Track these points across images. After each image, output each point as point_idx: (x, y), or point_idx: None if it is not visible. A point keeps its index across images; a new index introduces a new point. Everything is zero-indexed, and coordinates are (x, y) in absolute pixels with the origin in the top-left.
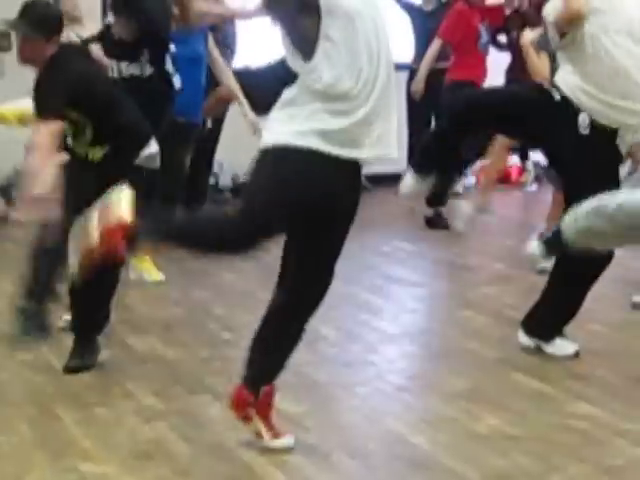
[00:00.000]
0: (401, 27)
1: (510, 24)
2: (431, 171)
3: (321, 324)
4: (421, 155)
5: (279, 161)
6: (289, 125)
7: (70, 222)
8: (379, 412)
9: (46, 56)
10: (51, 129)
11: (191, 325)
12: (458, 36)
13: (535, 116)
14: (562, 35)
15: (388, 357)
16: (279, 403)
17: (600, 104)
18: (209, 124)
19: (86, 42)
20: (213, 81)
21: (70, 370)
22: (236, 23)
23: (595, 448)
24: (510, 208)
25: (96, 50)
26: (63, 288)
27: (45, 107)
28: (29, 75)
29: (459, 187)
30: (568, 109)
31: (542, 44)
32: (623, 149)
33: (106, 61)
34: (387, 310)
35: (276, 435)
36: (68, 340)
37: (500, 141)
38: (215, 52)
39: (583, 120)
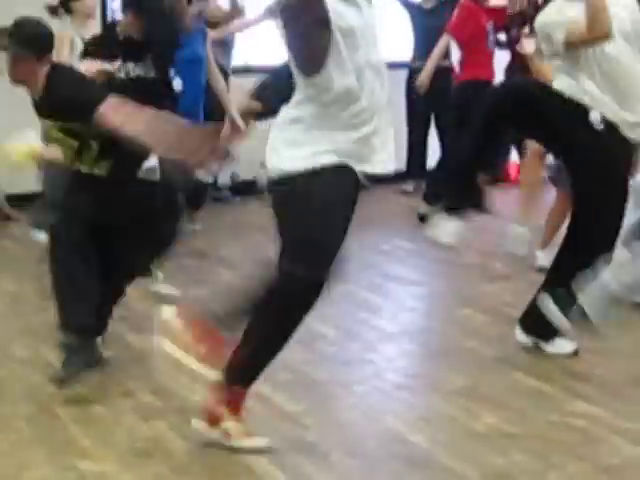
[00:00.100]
0: (400, 25)
1: (510, 22)
2: (466, 205)
3: (320, 323)
4: (451, 193)
5: (312, 187)
6: (301, 148)
7: (76, 234)
8: (378, 410)
9: (38, 76)
10: (115, 103)
11: None
12: (467, 33)
13: (553, 113)
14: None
15: (387, 356)
16: (278, 401)
17: (607, 101)
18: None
19: (88, 45)
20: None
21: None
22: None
23: (594, 446)
24: (509, 206)
25: (87, 65)
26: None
27: (92, 99)
28: None
29: None
30: (578, 108)
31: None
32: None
33: (102, 69)
34: (386, 309)
35: (248, 436)
36: None
37: (531, 152)
38: (209, 55)
39: (595, 117)
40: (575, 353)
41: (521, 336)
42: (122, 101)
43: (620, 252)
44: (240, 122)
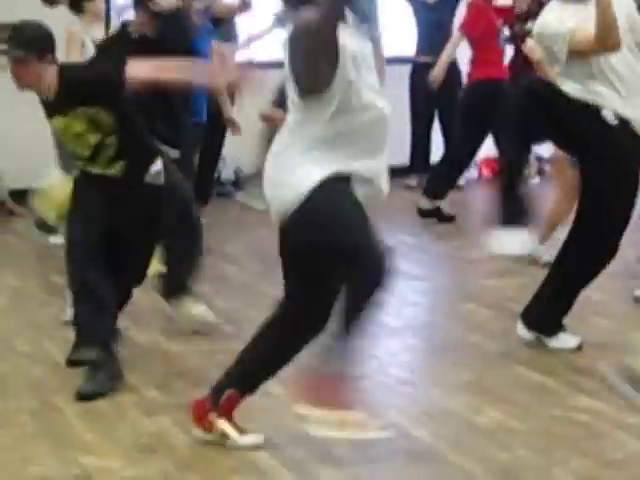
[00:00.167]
0: (404, 20)
1: (514, 18)
2: (524, 215)
3: None
4: (508, 206)
5: (332, 195)
6: (312, 167)
7: (93, 235)
8: (381, 405)
9: (43, 77)
10: (135, 62)
11: None
12: (478, 31)
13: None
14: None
15: (390, 350)
16: (280, 396)
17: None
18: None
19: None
20: None
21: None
22: (236, 18)
23: (597, 441)
24: None
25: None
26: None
27: (114, 67)
28: None
29: (461, 180)
30: (589, 107)
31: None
32: None
33: None
34: (389, 303)
35: (244, 433)
36: (70, 334)
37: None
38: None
39: (607, 114)
40: (579, 348)
41: (522, 331)
42: (139, 59)
43: None
44: (237, 123)
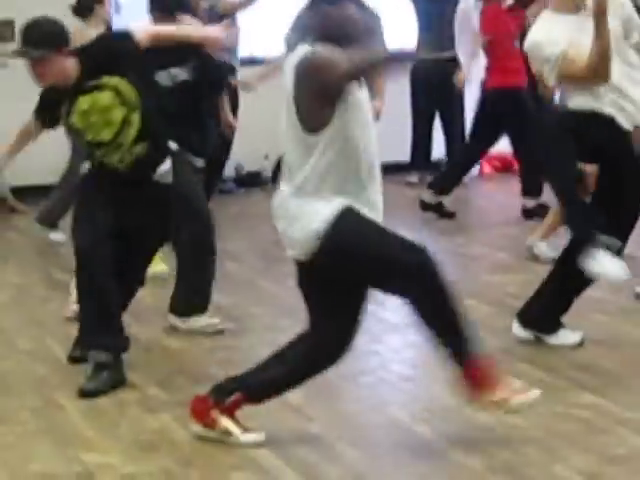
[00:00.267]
0: (405, 14)
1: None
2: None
3: None
4: (590, 226)
5: (354, 219)
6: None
7: (95, 244)
8: (383, 401)
9: (67, 68)
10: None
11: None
12: (495, 35)
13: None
14: None
15: (392, 347)
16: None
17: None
18: None
19: None
20: None
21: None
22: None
23: (599, 437)
24: (512, 197)
25: None
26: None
27: (125, 32)
28: None
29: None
30: (603, 117)
31: None
32: None
33: None
34: (391, 300)
35: (246, 430)
36: (72, 330)
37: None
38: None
39: (622, 120)
40: (581, 343)
41: (518, 330)
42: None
43: None
44: (232, 120)
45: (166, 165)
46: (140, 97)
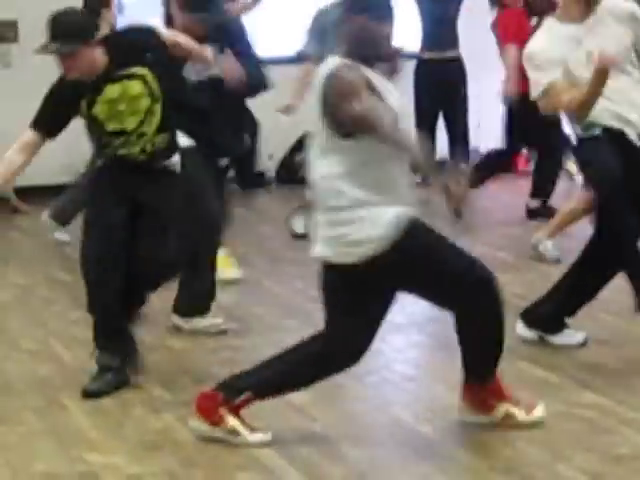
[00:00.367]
0: (409, 14)
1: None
2: None
3: None
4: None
5: (422, 227)
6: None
7: (104, 252)
8: (386, 401)
9: (96, 59)
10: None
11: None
12: (510, 40)
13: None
14: None
15: (396, 347)
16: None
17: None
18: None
19: None
20: None
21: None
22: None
23: (601, 437)
24: (516, 197)
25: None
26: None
27: (149, 27)
28: (36, 66)
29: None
30: (615, 132)
31: None
32: None
33: None
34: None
35: (253, 430)
36: (76, 331)
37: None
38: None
39: (632, 135)
40: (584, 343)
41: (523, 329)
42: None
43: None
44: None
45: (175, 158)
46: (162, 89)
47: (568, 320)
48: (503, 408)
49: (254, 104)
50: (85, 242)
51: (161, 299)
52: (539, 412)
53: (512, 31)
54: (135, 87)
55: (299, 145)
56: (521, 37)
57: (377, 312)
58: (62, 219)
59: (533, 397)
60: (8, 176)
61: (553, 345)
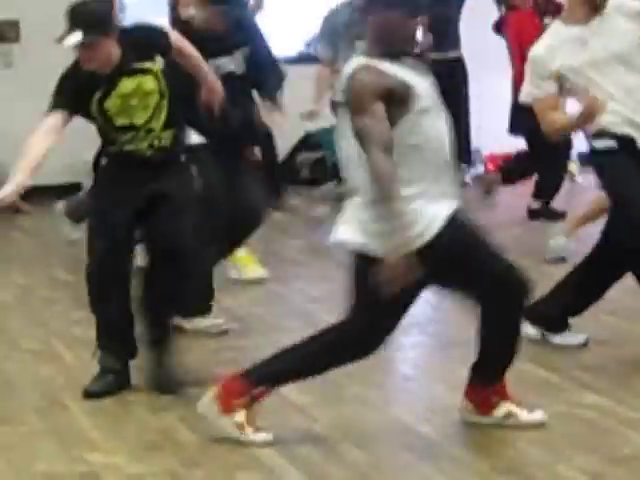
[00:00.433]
0: None
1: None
2: None
3: (328, 315)
4: None
5: (454, 229)
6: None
7: (114, 240)
8: (386, 401)
9: (112, 52)
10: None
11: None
12: (525, 43)
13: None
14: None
15: (396, 347)
16: (287, 393)
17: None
18: None
19: None
20: None
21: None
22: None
23: (602, 438)
24: (517, 197)
25: None
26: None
27: (162, 29)
28: (37, 66)
29: (467, 177)
30: (627, 140)
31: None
32: None
33: None
34: None
35: (257, 430)
36: (77, 331)
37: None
38: None
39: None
40: (585, 344)
41: (526, 327)
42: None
43: None
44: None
45: (183, 153)
46: (169, 85)
47: (571, 320)
48: (504, 407)
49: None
50: (90, 242)
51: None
52: (539, 415)
53: (524, 33)
54: (149, 82)
55: (301, 145)
56: (532, 39)
57: (407, 301)
58: (76, 216)
59: (534, 397)
60: (30, 171)
61: (554, 345)
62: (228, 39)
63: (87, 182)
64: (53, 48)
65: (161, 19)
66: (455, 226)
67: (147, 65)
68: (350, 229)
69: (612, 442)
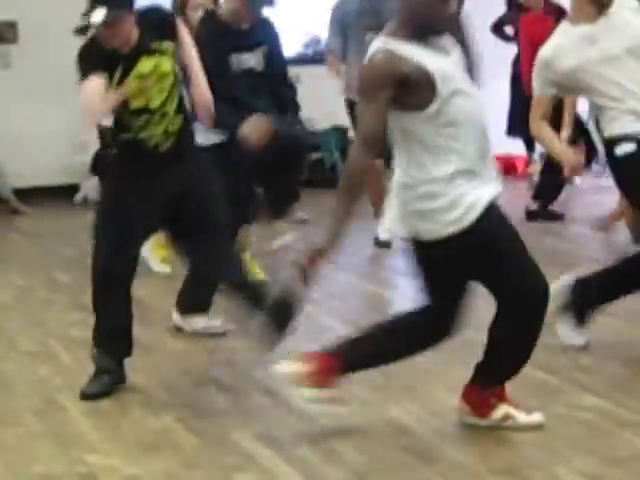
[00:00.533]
0: None
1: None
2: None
3: (327, 316)
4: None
5: (487, 220)
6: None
7: (120, 244)
8: (386, 402)
9: (132, 29)
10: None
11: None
12: (538, 45)
13: None
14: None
15: None
16: (286, 395)
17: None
18: None
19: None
20: None
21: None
22: None
23: (601, 440)
24: (516, 199)
25: None
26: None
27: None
28: (35, 66)
29: None
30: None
31: None
32: None
33: None
34: (394, 302)
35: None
36: (75, 332)
37: None
38: None
39: None
40: (585, 346)
41: (572, 336)
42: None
43: None
44: None
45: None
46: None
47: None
48: (502, 410)
49: None
50: (97, 240)
51: (158, 300)
52: (537, 417)
53: (536, 34)
54: (166, 63)
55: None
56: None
57: (456, 290)
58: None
59: (533, 399)
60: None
61: (553, 346)
62: (251, 35)
63: (84, 183)
64: (51, 49)
65: None
66: (492, 215)
67: (165, 46)
68: (396, 218)
69: (611, 444)
